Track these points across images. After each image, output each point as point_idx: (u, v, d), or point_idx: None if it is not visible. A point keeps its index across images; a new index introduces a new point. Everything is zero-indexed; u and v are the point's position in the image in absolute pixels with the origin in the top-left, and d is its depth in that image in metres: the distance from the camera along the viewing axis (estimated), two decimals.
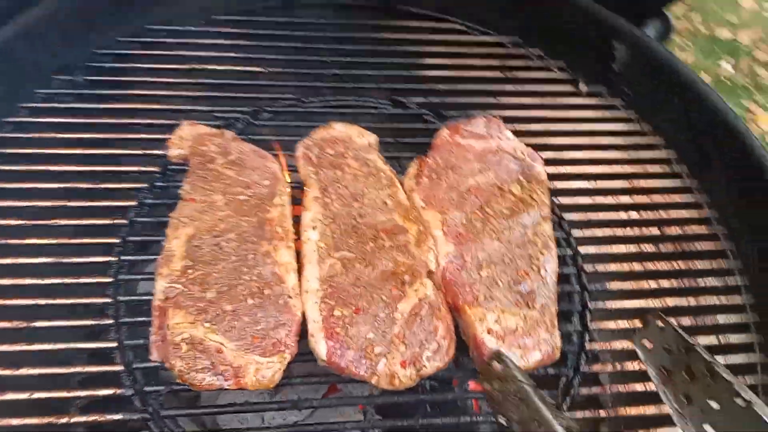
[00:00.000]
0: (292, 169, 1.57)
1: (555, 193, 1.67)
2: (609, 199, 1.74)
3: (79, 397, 1.27)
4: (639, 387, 1.49)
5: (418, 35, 2.02)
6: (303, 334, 1.29)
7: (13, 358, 1.26)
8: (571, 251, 1.65)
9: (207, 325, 1.22)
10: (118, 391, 1.27)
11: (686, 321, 1.57)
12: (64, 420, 1.22)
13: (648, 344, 1.12)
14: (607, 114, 1.93)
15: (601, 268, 1.64)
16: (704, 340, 1.56)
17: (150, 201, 1.55)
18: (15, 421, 1.19)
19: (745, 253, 1.69)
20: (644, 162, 1.84)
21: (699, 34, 4.79)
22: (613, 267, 1.64)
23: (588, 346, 1.52)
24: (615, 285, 1.62)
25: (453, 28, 2.07)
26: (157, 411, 1.27)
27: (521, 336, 1.34)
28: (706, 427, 1.00)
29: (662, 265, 1.65)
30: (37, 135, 1.62)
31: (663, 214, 1.74)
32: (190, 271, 1.29)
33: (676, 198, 1.78)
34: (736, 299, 1.64)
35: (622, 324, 1.56)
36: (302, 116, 1.82)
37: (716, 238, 1.72)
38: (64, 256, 1.40)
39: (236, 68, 1.88)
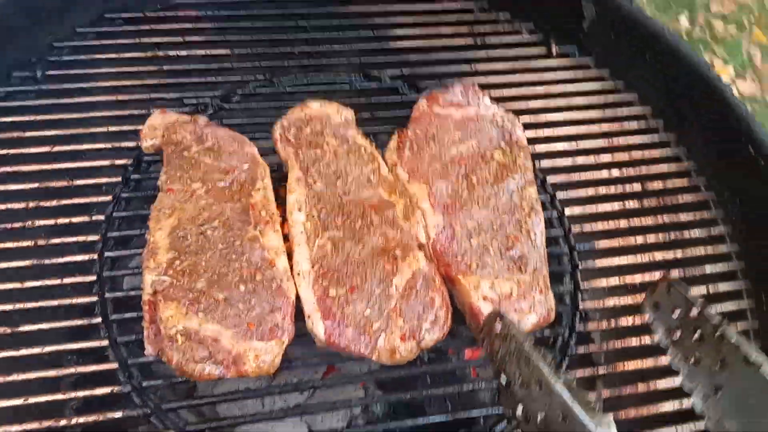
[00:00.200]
0: (271, 151, 1.54)
1: (536, 156, 1.67)
2: (590, 159, 1.74)
3: (76, 398, 1.24)
4: (634, 342, 1.51)
5: (386, 6, 1.98)
6: (298, 316, 1.27)
7: (2, 365, 1.22)
8: (557, 213, 1.65)
9: (201, 315, 1.19)
10: (116, 389, 1.24)
11: (675, 273, 1.59)
12: (63, 422, 1.19)
13: (657, 307, 1.11)
14: (579, 74, 1.93)
15: (587, 227, 1.64)
16: (694, 290, 1.58)
17: (126, 195, 1.50)
18: (14, 428, 1.16)
19: (726, 201, 1.71)
20: (621, 119, 1.84)
21: None
22: (599, 226, 1.65)
23: (581, 305, 1.53)
24: (602, 243, 1.63)
25: None
26: (158, 405, 1.24)
27: (516, 300, 1.34)
28: (715, 389, 1.00)
29: (647, 220, 1.67)
30: (1, 136, 1.55)
31: (644, 170, 1.74)
32: (177, 262, 1.26)
33: (655, 153, 1.79)
34: (721, 248, 1.66)
35: (613, 281, 1.57)
36: (274, 97, 1.77)
37: (697, 189, 1.74)
38: (44, 258, 1.35)
39: (201, 52, 1.82)
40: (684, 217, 1.68)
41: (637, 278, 1.58)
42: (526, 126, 1.64)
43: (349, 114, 1.58)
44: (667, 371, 1.43)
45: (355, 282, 1.29)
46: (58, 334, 1.29)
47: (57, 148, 1.53)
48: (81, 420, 1.21)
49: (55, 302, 1.31)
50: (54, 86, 1.68)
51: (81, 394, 1.24)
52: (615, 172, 1.73)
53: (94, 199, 1.48)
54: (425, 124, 1.57)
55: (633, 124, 1.83)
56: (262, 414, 1.28)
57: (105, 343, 1.30)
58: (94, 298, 1.34)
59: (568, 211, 1.65)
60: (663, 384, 1.46)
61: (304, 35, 1.90)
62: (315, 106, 1.56)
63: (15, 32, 1.69)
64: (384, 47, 1.91)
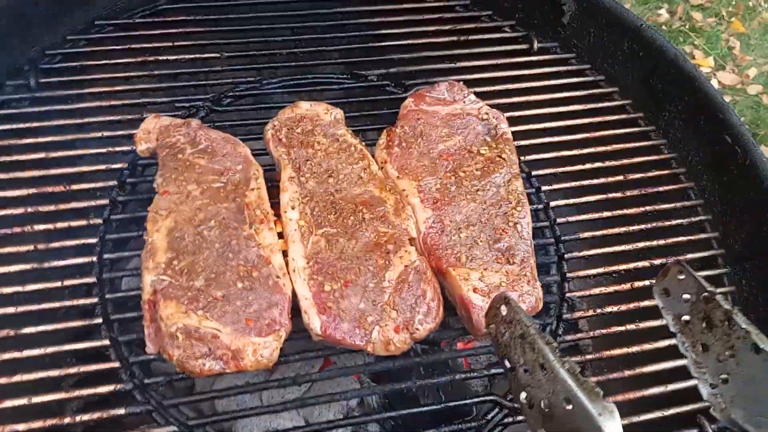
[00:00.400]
0: (263, 152, 1.57)
1: (521, 150, 1.70)
2: (573, 152, 1.78)
3: (79, 397, 1.27)
4: (619, 329, 1.55)
5: (370, 6, 2.02)
6: (294, 312, 1.31)
7: (6, 366, 1.25)
8: (542, 205, 1.70)
9: (200, 312, 1.23)
10: (118, 387, 1.28)
11: (657, 261, 1.63)
12: (67, 420, 1.22)
13: (667, 293, 1.10)
14: (561, 69, 1.98)
15: (572, 218, 1.69)
16: None
17: (123, 198, 1.54)
18: (20, 427, 1.19)
19: (706, 190, 1.77)
20: (602, 112, 1.89)
21: None
22: (583, 216, 1.70)
23: (568, 294, 1.58)
24: (587, 233, 1.67)
25: None
26: (160, 402, 1.28)
27: (505, 290, 1.38)
28: (723, 376, 1.00)
29: (629, 210, 1.71)
30: None
31: (625, 161, 1.79)
32: (175, 262, 1.29)
33: (636, 144, 1.84)
34: (702, 235, 1.71)
35: (598, 270, 1.61)
36: (264, 98, 1.82)
37: (678, 178, 1.79)
38: (44, 261, 1.38)
39: (190, 56, 1.86)
40: (665, 205, 1.73)
41: (622, 267, 1.63)
42: (511, 121, 1.68)
43: (338, 113, 1.62)
44: (653, 356, 1.49)
45: (349, 277, 1.33)
46: (60, 335, 1.32)
47: (53, 154, 1.57)
48: (84, 418, 1.24)
49: (56, 304, 1.34)
50: (47, 93, 1.71)
51: (84, 392, 1.27)
52: (597, 164, 1.77)
53: (91, 203, 1.51)
54: (412, 121, 1.61)
55: (614, 117, 1.88)
56: (260, 408, 1.31)
57: (106, 342, 1.33)
58: (95, 300, 1.38)
59: (553, 203, 1.70)
60: (648, 369, 1.49)
61: (291, 37, 1.93)
62: (305, 107, 1.60)
63: (6, 41, 1.73)
64: (370, 47, 1.95)
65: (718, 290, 1.02)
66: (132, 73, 1.79)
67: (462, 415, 1.46)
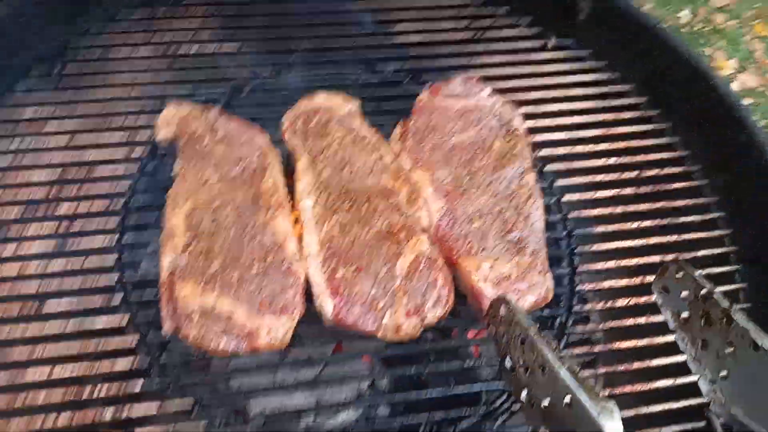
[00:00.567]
0: (280, 142, 1.61)
1: (535, 145, 1.73)
2: (587, 148, 1.79)
3: (99, 372, 1.31)
4: (629, 322, 1.56)
5: (388, 2, 2.05)
6: (307, 297, 1.34)
7: (29, 339, 1.30)
8: (555, 200, 1.71)
9: (216, 293, 1.26)
10: (136, 364, 1.31)
11: (669, 257, 1.64)
12: (86, 393, 1.26)
13: (666, 290, 1.11)
14: (576, 66, 1.99)
15: (585, 213, 1.70)
16: None
17: (143, 184, 1.58)
18: (41, 397, 1.23)
19: (720, 188, 1.77)
20: (617, 109, 1.90)
21: None
22: (596, 212, 1.70)
23: (578, 287, 1.59)
24: (599, 228, 1.68)
25: None
26: (175, 380, 1.31)
27: (515, 281, 1.40)
28: (722, 373, 1.00)
29: (642, 206, 1.71)
30: (21, 130, 1.63)
31: (639, 158, 1.79)
32: (192, 245, 1.33)
33: (650, 141, 1.84)
34: (714, 233, 1.72)
35: (610, 264, 1.63)
36: (281, 90, 1.85)
37: (692, 176, 1.79)
38: (67, 242, 1.43)
39: (210, 48, 1.90)
40: (678, 202, 1.73)
41: (633, 261, 1.64)
42: (526, 116, 1.70)
43: (354, 105, 1.65)
44: (661, 350, 1.50)
45: (361, 263, 1.35)
46: (81, 313, 1.36)
47: (76, 140, 1.61)
48: (102, 392, 1.28)
49: (77, 283, 1.38)
50: (71, 82, 1.75)
51: (103, 368, 1.32)
52: (611, 160, 1.79)
53: (112, 188, 1.56)
54: (427, 114, 1.63)
55: (628, 114, 1.89)
56: (273, 387, 1.34)
57: (125, 321, 1.37)
58: (115, 280, 1.41)
59: (566, 198, 1.71)
60: (657, 362, 1.50)
61: (310, 31, 1.97)
62: (321, 98, 1.63)
63: (33, 30, 1.77)
64: (387, 42, 1.98)
65: (722, 288, 1.03)
66: (153, 64, 1.83)
67: (471, 402, 1.47)
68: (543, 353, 0.92)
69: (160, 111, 1.60)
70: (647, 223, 1.70)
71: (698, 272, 1.06)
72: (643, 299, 1.56)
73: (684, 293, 1.07)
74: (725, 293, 1.57)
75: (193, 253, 1.32)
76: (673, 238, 1.68)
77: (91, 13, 1.90)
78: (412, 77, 1.90)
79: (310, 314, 1.34)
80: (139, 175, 1.59)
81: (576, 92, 1.92)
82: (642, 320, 1.55)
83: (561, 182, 1.74)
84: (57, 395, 1.26)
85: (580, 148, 1.80)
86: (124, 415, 1.27)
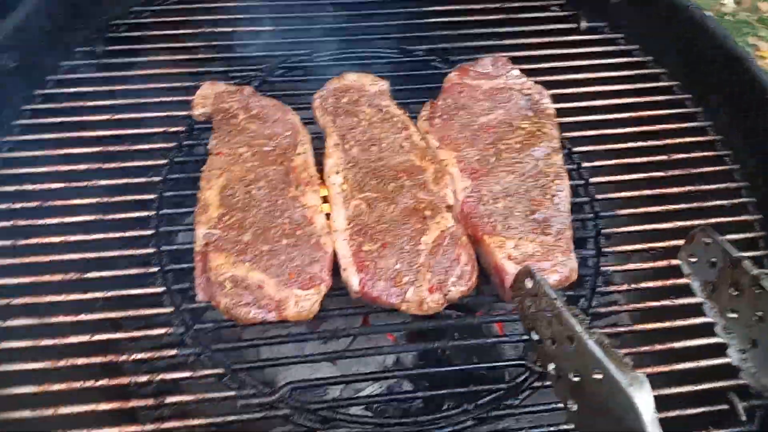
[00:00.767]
0: (311, 121, 1.65)
1: (564, 127, 1.73)
2: (616, 130, 1.79)
3: (135, 338, 1.38)
4: (654, 304, 1.56)
5: None
6: (334, 272, 1.38)
7: (72, 306, 1.37)
8: (582, 181, 1.72)
9: (247, 264, 1.31)
10: (170, 331, 1.37)
11: None
12: (123, 357, 1.33)
13: (693, 259, 1.08)
14: (608, 49, 1.98)
15: (612, 195, 1.71)
16: None
17: (180, 158, 1.64)
18: (80, 361, 1.30)
19: (750, 173, 1.75)
20: (648, 93, 1.89)
21: None
22: (623, 194, 1.71)
23: (603, 268, 1.60)
24: (626, 210, 1.69)
25: None
26: (207, 346, 1.37)
27: (539, 260, 1.41)
28: (752, 341, 0.98)
29: (671, 190, 1.71)
30: (66, 104, 1.70)
31: (669, 141, 1.79)
32: (225, 217, 1.38)
33: (681, 125, 1.83)
34: (744, 217, 1.70)
35: (636, 246, 1.63)
36: (314, 70, 1.89)
37: (722, 160, 1.78)
38: (107, 214, 1.49)
39: (247, 28, 1.94)
40: (707, 186, 1.72)
41: (660, 244, 1.63)
42: (555, 98, 1.71)
43: (383, 85, 1.68)
44: (684, 332, 1.51)
45: (387, 239, 1.39)
46: (119, 281, 1.42)
47: (117, 116, 1.68)
48: (138, 357, 1.34)
49: (117, 253, 1.45)
50: (112, 60, 1.82)
51: (139, 334, 1.38)
52: (641, 143, 1.78)
53: (150, 162, 1.62)
54: (455, 94, 1.66)
55: (660, 98, 1.88)
56: (300, 357, 1.39)
57: (161, 290, 1.43)
58: (152, 250, 1.48)
59: (593, 180, 1.72)
60: (679, 344, 1.50)
61: (343, 12, 2.00)
62: (352, 78, 1.67)
63: (77, 11, 1.85)
64: (417, 23, 2.00)
65: (746, 255, 1.00)
66: (191, 44, 1.89)
67: (493, 380, 1.50)
68: (570, 325, 0.90)
69: (197, 88, 1.66)
70: (675, 206, 1.69)
71: (725, 239, 1.03)
72: (668, 282, 1.57)
73: (712, 261, 1.04)
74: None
75: (226, 225, 1.37)
76: (702, 221, 1.67)
77: None
78: (442, 58, 1.91)
79: (338, 288, 1.38)
80: (176, 150, 1.65)
81: (607, 75, 1.91)
82: (667, 303, 1.55)
83: (589, 164, 1.74)
84: (95, 359, 1.32)
85: (609, 130, 1.80)
86: (158, 379, 1.33)
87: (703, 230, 1.06)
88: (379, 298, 1.34)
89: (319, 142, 1.61)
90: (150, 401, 1.30)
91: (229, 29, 1.94)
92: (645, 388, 0.80)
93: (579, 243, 1.56)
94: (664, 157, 1.77)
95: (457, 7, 2.03)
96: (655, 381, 1.45)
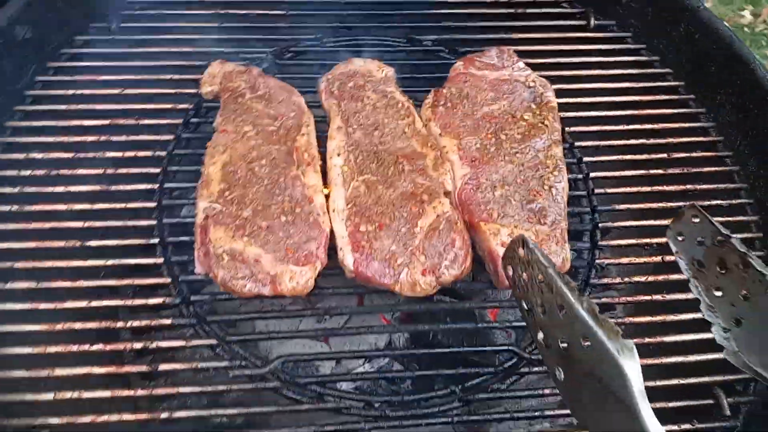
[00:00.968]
0: (317, 104, 1.67)
1: (566, 122, 1.75)
2: (619, 127, 1.81)
3: (132, 305, 1.41)
4: (645, 298, 1.58)
5: None
6: (331, 251, 1.40)
7: (71, 272, 1.40)
8: (582, 175, 1.73)
9: (245, 239, 1.34)
10: (167, 300, 1.41)
11: None
12: (120, 324, 1.36)
13: (681, 237, 1.09)
14: (616, 47, 2.00)
15: (610, 190, 1.72)
16: None
17: (186, 135, 1.68)
18: (77, 325, 1.34)
19: (750, 174, 1.76)
20: (652, 91, 1.90)
21: None
22: (622, 189, 1.73)
23: (598, 261, 1.62)
24: (623, 205, 1.70)
25: None
26: (203, 317, 1.40)
27: None
28: (736, 320, 0.99)
29: (670, 187, 1.73)
30: (78, 78, 1.74)
31: (671, 140, 1.80)
32: (227, 193, 1.41)
33: (684, 125, 1.85)
34: (741, 217, 1.71)
35: (631, 241, 1.65)
36: (322, 55, 1.92)
37: (722, 161, 1.79)
38: (112, 185, 1.53)
39: (259, 11, 1.97)
40: (706, 186, 1.74)
41: (654, 240, 1.65)
42: (560, 93, 1.72)
43: (389, 71, 1.70)
44: (674, 327, 1.52)
45: (383, 220, 1.41)
46: (120, 250, 1.46)
47: (127, 91, 1.71)
48: (135, 323, 1.38)
49: (119, 223, 1.48)
50: (126, 37, 1.86)
51: (137, 302, 1.41)
52: (642, 140, 1.80)
53: (157, 137, 1.66)
54: (460, 83, 1.68)
55: (664, 97, 1.90)
56: (293, 333, 1.42)
57: (160, 260, 1.46)
58: (153, 222, 1.51)
59: (593, 174, 1.73)
60: (669, 339, 1.52)
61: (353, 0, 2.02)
62: (358, 63, 1.69)
63: None
64: (427, 13, 2.02)
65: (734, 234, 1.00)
66: (203, 24, 1.92)
67: (484, 365, 1.53)
68: (562, 292, 0.89)
69: (205, 68, 1.69)
70: (673, 203, 1.70)
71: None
72: (661, 277, 1.58)
73: (699, 239, 1.05)
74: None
75: (227, 200, 1.40)
76: None
77: None
78: (449, 49, 1.93)
79: (333, 266, 1.40)
80: (183, 127, 1.68)
81: (612, 72, 1.93)
82: (658, 297, 1.57)
83: (589, 159, 1.76)
84: (92, 324, 1.35)
85: (611, 127, 1.81)
86: (152, 346, 1.36)
87: (692, 207, 1.07)
88: (373, 279, 1.37)
89: (323, 125, 1.64)
90: (143, 367, 1.34)
91: (242, 11, 1.96)
92: (634, 356, 0.80)
93: (575, 236, 1.58)
94: (664, 156, 1.78)
95: None
96: (644, 373, 1.50)
